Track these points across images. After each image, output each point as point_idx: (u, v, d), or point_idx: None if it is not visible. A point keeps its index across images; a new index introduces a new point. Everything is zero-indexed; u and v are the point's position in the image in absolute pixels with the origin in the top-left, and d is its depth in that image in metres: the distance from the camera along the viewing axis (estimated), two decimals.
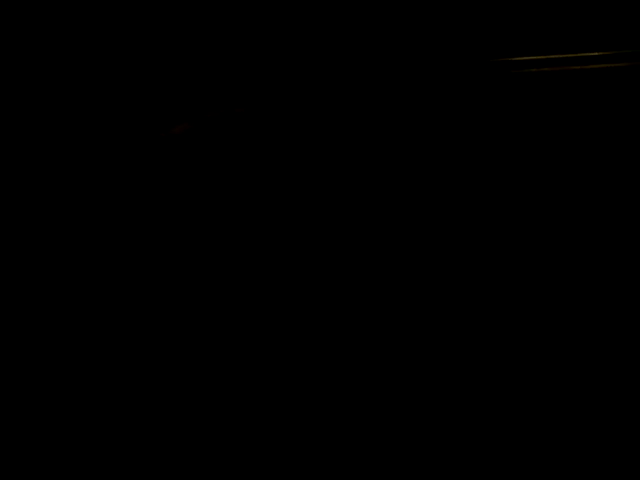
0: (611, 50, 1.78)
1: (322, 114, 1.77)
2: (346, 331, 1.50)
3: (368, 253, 1.68)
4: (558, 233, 1.68)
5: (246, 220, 1.76)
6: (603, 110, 1.79)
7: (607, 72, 1.80)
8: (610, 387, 1.34)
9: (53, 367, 1.45)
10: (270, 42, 1.75)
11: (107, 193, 1.75)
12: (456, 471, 1.22)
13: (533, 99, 1.83)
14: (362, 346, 1.47)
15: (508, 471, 1.22)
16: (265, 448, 1.25)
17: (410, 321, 1.52)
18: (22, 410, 1.35)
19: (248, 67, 1.77)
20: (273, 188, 1.80)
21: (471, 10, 1.78)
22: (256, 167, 1.82)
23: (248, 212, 1.77)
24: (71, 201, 1.75)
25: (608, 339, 1.44)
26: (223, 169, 1.82)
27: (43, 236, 1.71)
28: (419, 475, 1.21)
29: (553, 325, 1.48)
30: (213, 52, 1.74)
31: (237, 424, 1.30)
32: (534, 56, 1.84)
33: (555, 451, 1.24)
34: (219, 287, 1.61)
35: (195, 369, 1.43)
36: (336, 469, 1.20)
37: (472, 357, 1.43)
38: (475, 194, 1.75)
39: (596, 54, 1.79)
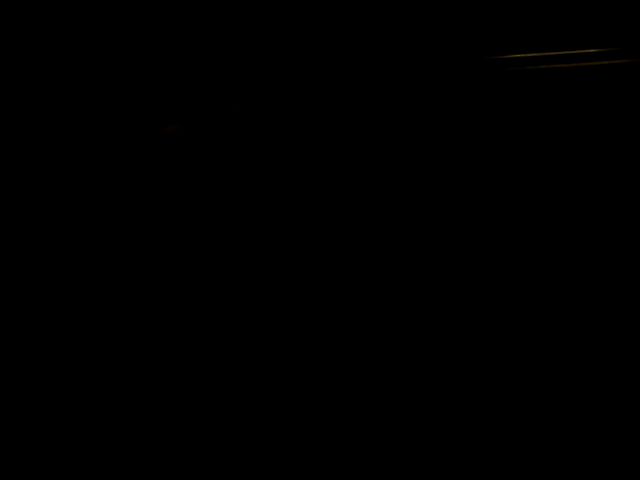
0: (608, 47, 1.76)
1: (317, 112, 1.76)
2: (345, 331, 1.50)
3: (361, 253, 1.67)
4: (555, 231, 1.68)
5: (240, 220, 1.75)
6: (600, 108, 1.78)
7: (605, 69, 1.78)
8: (609, 387, 1.34)
9: (53, 367, 1.44)
10: (264, 41, 1.74)
11: (99, 193, 1.75)
12: (456, 471, 1.22)
13: (529, 97, 1.82)
14: (362, 346, 1.46)
15: (508, 471, 1.22)
16: (265, 448, 1.25)
17: (409, 321, 1.51)
18: (22, 410, 1.34)
19: (241, 66, 1.76)
20: (267, 188, 1.79)
21: (465, 7, 1.77)
22: (249, 167, 1.82)
23: (242, 212, 1.76)
24: (63, 202, 1.74)
25: (607, 339, 1.44)
26: (216, 169, 1.81)
27: (35, 237, 1.71)
28: (419, 475, 1.21)
29: (552, 324, 1.48)
30: (205, 51, 1.73)
31: (237, 424, 1.30)
32: (530, 53, 1.83)
33: (554, 451, 1.24)
34: (212, 287, 1.61)
35: (194, 369, 1.42)
36: (336, 469, 1.21)
37: (472, 356, 1.43)
38: (471, 192, 1.74)
39: (593, 51, 1.78)
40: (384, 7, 1.75)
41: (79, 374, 1.43)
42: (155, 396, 1.38)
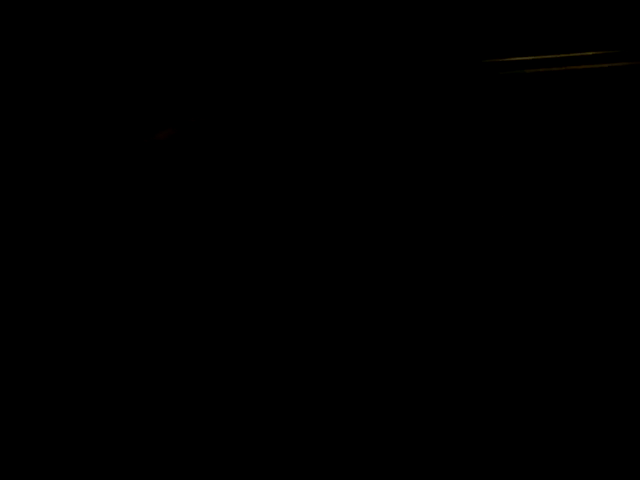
0: (605, 50, 1.74)
1: (314, 116, 1.74)
2: (344, 331, 1.51)
3: (357, 255, 1.67)
4: (551, 230, 1.68)
5: (233, 223, 1.75)
6: (597, 110, 1.76)
7: (601, 72, 1.76)
8: (608, 387, 1.35)
9: (53, 367, 1.46)
10: (253, 47, 1.72)
11: (92, 199, 1.75)
12: (456, 471, 1.23)
13: (527, 100, 1.80)
14: (361, 346, 1.47)
15: (507, 471, 1.23)
16: (265, 448, 1.26)
17: (408, 321, 1.52)
18: (22, 410, 1.36)
19: (233, 71, 1.74)
20: (260, 191, 1.79)
21: (462, 11, 1.74)
22: (240, 171, 1.81)
23: (234, 215, 1.76)
24: (56, 208, 1.74)
25: (607, 339, 1.44)
26: (208, 174, 1.81)
27: (31, 240, 1.71)
28: (419, 475, 1.22)
29: (552, 325, 1.49)
30: (196, 56, 1.72)
31: (237, 424, 1.31)
32: (526, 57, 1.81)
33: (553, 451, 1.25)
34: (205, 288, 1.61)
35: (193, 369, 1.43)
36: (336, 469, 1.22)
37: (471, 357, 1.44)
38: (466, 193, 1.73)
39: (590, 54, 1.76)
40: (381, 11, 1.73)
41: (79, 374, 1.44)
42: (155, 396, 1.38)
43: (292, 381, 1.42)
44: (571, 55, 1.79)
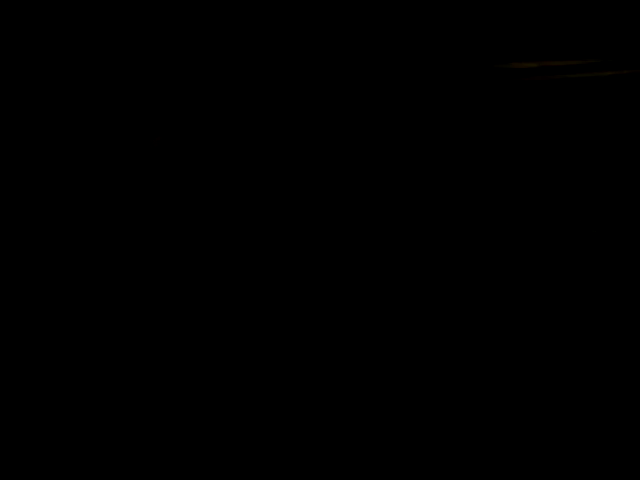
0: (611, 58, 1.79)
1: (308, 121, 1.75)
2: (344, 331, 1.50)
3: (354, 258, 1.67)
4: (553, 233, 1.70)
5: (232, 224, 1.74)
6: (605, 118, 1.79)
7: (610, 80, 1.80)
8: (607, 387, 1.35)
9: (53, 367, 1.44)
10: (249, 51, 1.73)
11: (91, 202, 1.73)
12: (454, 471, 1.22)
13: (536, 107, 1.83)
14: (361, 346, 1.46)
15: (506, 471, 1.22)
16: (265, 448, 1.25)
17: (407, 321, 1.52)
18: (22, 410, 1.34)
19: (230, 75, 1.75)
20: (257, 193, 1.78)
21: (471, 16, 1.77)
22: (239, 174, 1.81)
23: (231, 217, 1.75)
24: (55, 209, 1.73)
25: (606, 339, 1.45)
26: (205, 177, 1.80)
27: (29, 242, 1.69)
28: (418, 475, 1.21)
29: (552, 326, 1.49)
30: (193, 61, 1.72)
31: (237, 424, 1.30)
32: (536, 62, 1.84)
33: (551, 451, 1.25)
34: (201, 290, 1.60)
35: (193, 370, 1.43)
36: (335, 469, 1.21)
37: (470, 357, 1.43)
38: (472, 198, 1.75)
39: (594, 61, 1.80)
40: (393, 14, 1.75)
41: (79, 374, 1.42)
42: (155, 396, 1.37)
43: (292, 381, 1.41)
44: (580, 62, 1.83)
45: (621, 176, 1.73)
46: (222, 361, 1.45)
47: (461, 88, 1.79)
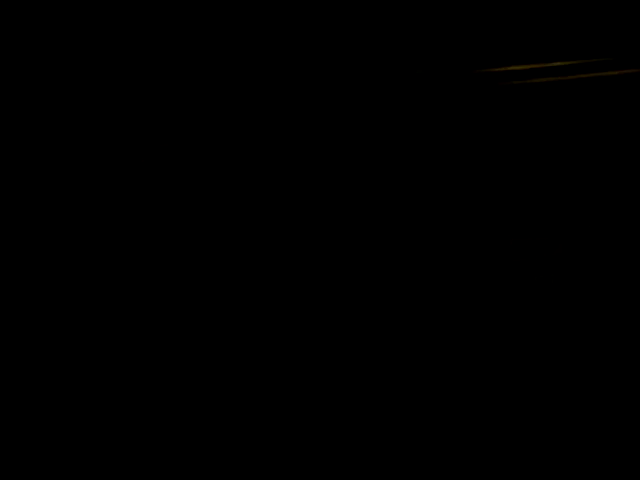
0: (602, 57, 1.75)
1: (300, 127, 1.75)
2: (343, 331, 1.50)
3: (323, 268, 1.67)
4: (546, 243, 1.68)
5: (231, 226, 1.75)
6: (609, 120, 1.75)
7: (599, 81, 1.77)
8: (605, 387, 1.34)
9: (53, 367, 1.45)
10: (250, 52, 1.75)
11: (93, 204, 1.76)
12: (453, 471, 1.22)
13: (524, 112, 1.80)
14: (360, 347, 1.46)
15: (504, 471, 1.22)
16: (265, 448, 1.26)
17: (406, 321, 1.51)
18: (23, 410, 1.36)
19: (228, 78, 1.76)
20: (256, 195, 1.79)
21: (453, 17, 1.76)
22: (238, 176, 1.82)
23: (231, 219, 1.77)
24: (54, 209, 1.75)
25: (605, 340, 1.44)
26: (203, 179, 1.82)
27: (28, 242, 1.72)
28: (417, 475, 1.21)
29: (552, 326, 1.49)
30: (191, 63, 1.74)
31: (237, 424, 1.31)
32: (523, 65, 1.81)
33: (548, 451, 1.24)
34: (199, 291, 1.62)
35: (194, 370, 1.43)
36: (335, 469, 1.21)
37: (469, 359, 1.43)
38: (460, 206, 1.73)
39: (580, 62, 1.76)
40: (369, 18, 1.75)
41: (79, 374, 1.44)
42: (155, 397, 1.39)
43: (291, 381, 1.42)
44: (576, 62, 1.79)
45: (626, 181, 1.70)
46: (222, 361, 1.46)
47: (456, 93, 1.77)
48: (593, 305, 1.52)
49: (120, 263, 1.68)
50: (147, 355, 1.47)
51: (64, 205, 1.73)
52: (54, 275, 1.65)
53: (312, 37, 1.75)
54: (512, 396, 1.38)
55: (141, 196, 1.75)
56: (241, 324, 1.53)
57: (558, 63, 1.76)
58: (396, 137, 1.75)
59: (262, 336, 1.50)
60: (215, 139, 1.77)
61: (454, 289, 1.58)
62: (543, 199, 1.72)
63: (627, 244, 1.62)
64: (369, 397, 1.38)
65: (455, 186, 1.73)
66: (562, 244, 1.66)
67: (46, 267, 1.67)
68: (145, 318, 1.56)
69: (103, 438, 1.32)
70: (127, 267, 1.68)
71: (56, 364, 1.46)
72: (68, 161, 1.75)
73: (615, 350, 1.43)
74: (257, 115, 1.75)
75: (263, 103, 1.74)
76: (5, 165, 1.72)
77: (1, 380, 1.42)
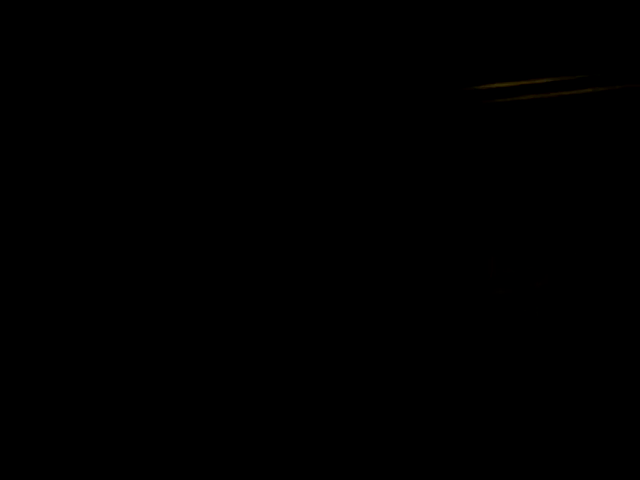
0: (586, 74, 1.72)
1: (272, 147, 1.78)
2: (343, 331, 1.49)
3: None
4: (533, 255, 1.69)
5: (231, 226, 1.74)
6: (584, 139, 1.73)
7: (584, 98, 1.75)
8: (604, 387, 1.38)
9: (54, 367, 1.43)
10: (249, 53, 1.76)
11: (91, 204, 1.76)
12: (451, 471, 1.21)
13: (510, 130, 1.75)
14: (360, 348, 1.45)
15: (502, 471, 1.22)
16: (265, 448, 1.24)
17: (405, 322, 1.51)
18: (23, 410, 1.33)
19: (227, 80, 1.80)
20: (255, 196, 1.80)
21: (442, 35, 1.74)
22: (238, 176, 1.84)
23: (231, 218, 1.76)
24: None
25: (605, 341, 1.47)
26: (203, 179, 1.81)
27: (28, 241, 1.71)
28: (417, 475, 1.20)
29: (551, 326, 1.50)
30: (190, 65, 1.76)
31: (237, 425, 1.30)
32: (509, 83, 1.75)
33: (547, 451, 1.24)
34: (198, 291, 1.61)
35: (194, 370, 1.41)
36: (335, 469, 1.22)
37: (469, 358, 1.44)
38: (445, 228, 1.69)
39: (575, 78, 1.74)
40: (358, 37, 1.73)
41: (80, 375, 1.42)
42: (155, 396, 1.38)
43: (291, 382, 1.41)
44: (560, 79, 1.81)
45: (608, 194, 1.69)
46: (222, 361, 1.44)
47: (440, 110, 1.72)
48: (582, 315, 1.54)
49: (120, 263, 1.66)
50: (147, 355, 1.45)
51: (64, 205, 1.71)
52: (54, 275, 1.63)
53: (304, 50, 1.73)
54: (511, 396, 1.40)
55: (141, 196, 1.74)
56: (240, 324, 1.52)
57: (541, 80, 1.72)
58: (383, 153, 1.71)
59: (262, 336, 1.50)
60: (215, 139, 1.75)
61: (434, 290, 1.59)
62: (526, 214, 1.70)
63: (610, 256, 1.63)
64: (368, 397, 1.37)
65: (440, 200, 1.70)
66: (546, 259, 1.66)
67: (46, 267, 1.64)
68: (145, 318, 1.54)
69: (103, 438, 1.29)
70: (127, 267, 1.65)
71: (56, 364, 1.44)
72: (68, 161, 1.72)
73: (614, 350, 1.45)
74: (256, 115, 1.75)
75: (262, 104, 1.75)
76: (5, 165, 1.69)
77: (1, 380, 1.40)
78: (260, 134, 1.73)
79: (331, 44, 1.74)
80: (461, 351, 1.43)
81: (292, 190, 1.69)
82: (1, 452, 1.23)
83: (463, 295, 1.53)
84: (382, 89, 1.74)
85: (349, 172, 1.71)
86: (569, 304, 1.53)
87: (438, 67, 1.74)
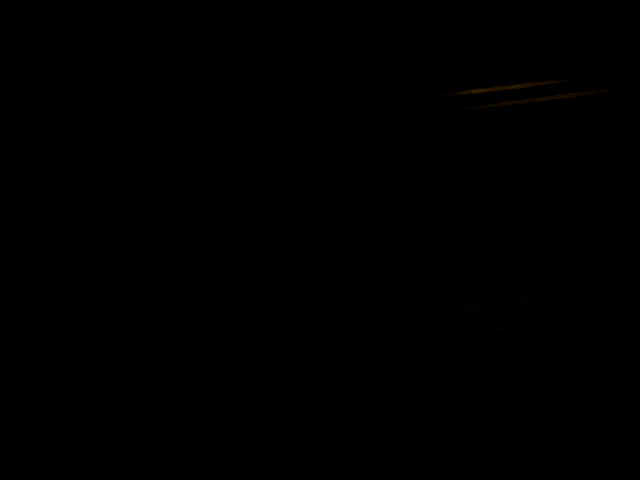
0: (566, 78, 1.76)
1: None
2: (343, 331, 1.49)
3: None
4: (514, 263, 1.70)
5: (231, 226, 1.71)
6: (573, 142, 1.72)
7: (561, 104, 1.74)
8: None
9: (54, 367, 1.43)
10: (249, 53, 1.72)
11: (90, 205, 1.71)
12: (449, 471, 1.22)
13: (487, 138, 1.72)
14: (359, 348, 1.46)
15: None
16: (265, 448, 1.25)
17: (404, 321, 1.51)
18: (23, 410, 1.33)
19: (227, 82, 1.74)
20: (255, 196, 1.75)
21: (414, 41, 1.71)
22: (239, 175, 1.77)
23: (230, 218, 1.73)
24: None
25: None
26: (202, 179, 1.77)
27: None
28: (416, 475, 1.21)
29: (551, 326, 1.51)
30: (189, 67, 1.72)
31: (237, 425, 1.30)
32: (484, 89, 1.71)
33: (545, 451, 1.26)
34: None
35: (194, 370, 1.41)
36: (335, 469, 1.20)
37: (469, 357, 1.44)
38: (420, 239, 1.68)
39: (553, 83, 1.74)
40: (332, 43, 1.70)
41: (80, 375, 1.42)
42: (155, 396, 1.37)
43: (291, 382, 1.41)
44: (537, 85, 1.78)
45: (587, 199, 1.71)
46: (222, 361, 1.44)
47: (414, 117, 1.69)
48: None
49: (120, 263, 1.66)
50: (146, 355, 1.46)
51: (63, 204, 1.70)
52: (54, 275, 1.63)
53: (269, 57, 1.72)
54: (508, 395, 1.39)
55: (140, 196, 1.71)
56: (240, 323, 1.52)
57: (517, 86, 1.69)
58: (358, 162, 1.69)
59: (261, 336, 1.50)
60: (214, 139, 1.74)
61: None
62: (502, 222, 1.69)
63: (588, 259, 1.65)
64: (368, 397, 1.37)
65: (416, 209, 1.68)
66: (524, 263, 1.67)
67: (46, 267, 1.64)
68: (144, 318, 1.54)
69: (103, 438, 1.29)
70: (127, 267, 1.66)
71: (56, 364, 1.44)
72: (67, 160, 1.71)
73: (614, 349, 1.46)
74: (256, 115, 1.71)
75: (262, 104, 1.71)
76: (5, 165, 1.68)
77: (1, 380, 1.40)
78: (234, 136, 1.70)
79: (307, 50, 1.71)
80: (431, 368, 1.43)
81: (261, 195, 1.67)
82: (1, 452, 1.25)
83: (435, 312, 1.51)
84: (357, 96, 1.70)
85: (317, 184, 1.68)
86: (550, 322, 1.53)
87: (412, 74, 1.71)
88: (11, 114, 1.68)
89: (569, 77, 1.70)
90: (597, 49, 1.68)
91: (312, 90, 1.71)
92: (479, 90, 1.69)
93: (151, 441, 1.28)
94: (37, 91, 1.71)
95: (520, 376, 1.44)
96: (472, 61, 1.71)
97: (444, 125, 1.69)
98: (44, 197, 1.69)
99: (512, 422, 1.37)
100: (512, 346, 1.47)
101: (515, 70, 1.72)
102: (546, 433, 1.36)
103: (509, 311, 1.54)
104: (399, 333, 1.50)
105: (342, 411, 1.34)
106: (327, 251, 1.63)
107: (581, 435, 1.34)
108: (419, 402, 1.37)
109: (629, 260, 1.60)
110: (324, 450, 1.26)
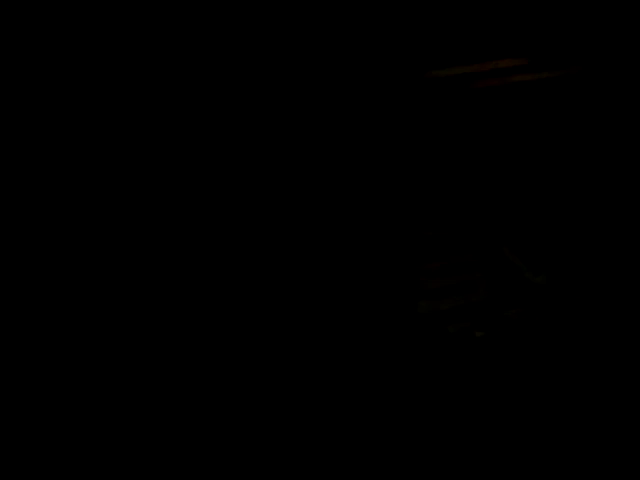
0: (529, 58, 1.72)
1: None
2: (342, 331, 1.47)
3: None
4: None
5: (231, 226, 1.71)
6: (539, 121, 1.68)
7: (531, 85, 1.74)
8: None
9: (54, 367, 1.43)
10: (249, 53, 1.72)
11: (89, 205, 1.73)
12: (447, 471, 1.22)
13: (467, 115, 1.70)
14: (359, 348, 1.44)
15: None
16: (265, 448, 1.24)
17: (402, 321, 1.49)
18: (23, 410, 1.33)
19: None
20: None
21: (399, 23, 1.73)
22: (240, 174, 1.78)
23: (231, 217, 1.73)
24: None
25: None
26: (203, 179, 1.78)
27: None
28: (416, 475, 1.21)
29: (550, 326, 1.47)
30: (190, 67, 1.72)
31: (237, 425, 1.30)
32: (468, 68, 1.69)
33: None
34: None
35: (195, 370, 1.41)
36: (335, 469, 1.21)
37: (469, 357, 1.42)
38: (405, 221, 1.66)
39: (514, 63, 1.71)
40: (313, 22, 1.73)
41: (80, 375, 1.42)
42: (156, 397, 1.37)
43: (290, 382, 1.41)
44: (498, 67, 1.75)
45: (553, 181, 1.68)
46: (222, 361, 1.44)
47: (397, 95, 1.72)
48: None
49: (119, 263, 1.66)
50: (147, 355, 1.46)
51: (64, 204, 1.71)
52: (54, 275, 1.62)
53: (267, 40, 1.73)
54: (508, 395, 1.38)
55: (140, 196, 1.72)
56: (239, 323, 1.51)
57: (502, 64, 1.66)
58: (346, 141, 1.66)
59: (262, 335, 1.49)
60: (215, 139, 1.74)
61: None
62: (460, 212, 1.67)
63: (562, 253, 1.61)
64: (368, 397, 1.36)
65: (402, 189, 1.66)
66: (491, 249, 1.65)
67: (46, 267, 1.64)
68: (144, 318, 1.54)
69: (103, 438, 1.30)
70: (127, 267, 1.65)
71: (56, 364, 1.44)
72: (67, 160, 1.71)
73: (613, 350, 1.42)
74: (256, 115, 1.71)
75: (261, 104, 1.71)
76: (5, 165, 1.69)
77: (1, 380, 1.40)
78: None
79: (298, 32, 1.70)
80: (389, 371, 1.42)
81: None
82: (1, 452, 1.25)
83: (386, 308, 1.48)
84: (342, 77, 1.67)
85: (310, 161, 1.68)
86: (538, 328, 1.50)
87: (397, 54, 1.68)
88: (11, 114, 1.68)
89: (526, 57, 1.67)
90: (552, 30, 1.65)
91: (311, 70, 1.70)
92: (462, 69, 1.66)
93: (151, 441, 1.28)
94: (37, 91, 1.71)
95: (476, 373, 1.41)
96: (456, 41, 1.68)
97: (429, 103, 1.65)
98: (44, 197, 1.70)
99: (469, 420, 1.35)
100: (468, 343, 1.43)
101: (496, 49, 1.69)
102: (502, 432, 1.34)
103: (465, 307, 1.49)
104: (347, 332, 1.47)
105: (297, 407, 1.34)
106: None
107: (541, 433, 1.31)
108: (372, 401, 1.35)
109: (590, 248, 1.55)
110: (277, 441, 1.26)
